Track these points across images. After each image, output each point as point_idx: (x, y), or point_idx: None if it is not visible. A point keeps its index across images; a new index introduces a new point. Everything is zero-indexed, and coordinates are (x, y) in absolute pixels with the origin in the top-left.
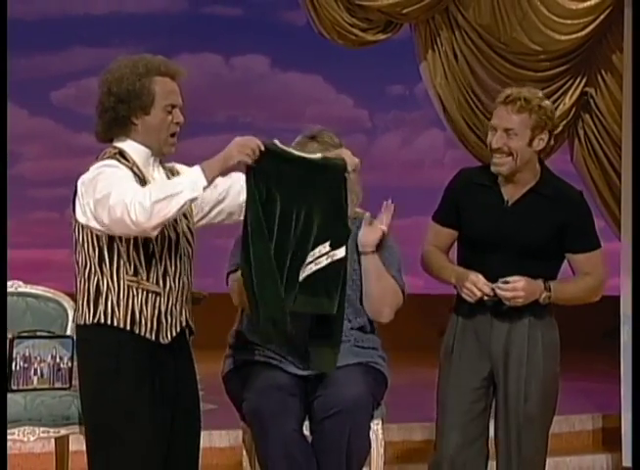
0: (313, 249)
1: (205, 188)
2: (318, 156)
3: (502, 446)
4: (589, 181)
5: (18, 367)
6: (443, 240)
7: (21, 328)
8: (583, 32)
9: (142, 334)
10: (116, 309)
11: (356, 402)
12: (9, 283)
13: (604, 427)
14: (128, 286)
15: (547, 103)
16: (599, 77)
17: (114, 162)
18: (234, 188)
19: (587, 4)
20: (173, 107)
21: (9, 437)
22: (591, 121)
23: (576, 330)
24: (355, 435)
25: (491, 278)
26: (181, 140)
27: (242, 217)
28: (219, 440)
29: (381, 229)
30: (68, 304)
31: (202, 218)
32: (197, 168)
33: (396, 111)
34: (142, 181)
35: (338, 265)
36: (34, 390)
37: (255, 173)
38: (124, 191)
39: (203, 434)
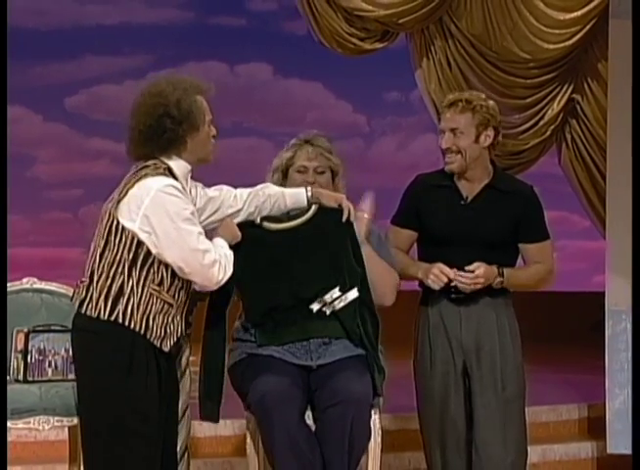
0: (321, 296)
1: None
2: (311, 211)
3: (485, 434)
4: (576, 183)
5: (33, 360)
6: (404, 241)
7: (36, 322)
8: (570, 42)
9: (151, 339)
10: (135, 313)
11: (359, 393)
12: (24, 279)
13: (589, 416)
14: (150, 294)
15: (490, 102)
16: (585, 85)
17: (177, 184)
18: (225, 203)
19: (574, 15)
20: (211, 121)
21: (25, 426)
22: (578, 126)
23: (564, 324)
24: (357, 423)
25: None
26: None
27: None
28: (224, 428)
29: (366, 219)
30: None
31: None
32: (225, 243)
33: (393, 116)
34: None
35: (352, 304)
36: (49, 381)
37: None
38: (210, 251)
39: (208, 424)
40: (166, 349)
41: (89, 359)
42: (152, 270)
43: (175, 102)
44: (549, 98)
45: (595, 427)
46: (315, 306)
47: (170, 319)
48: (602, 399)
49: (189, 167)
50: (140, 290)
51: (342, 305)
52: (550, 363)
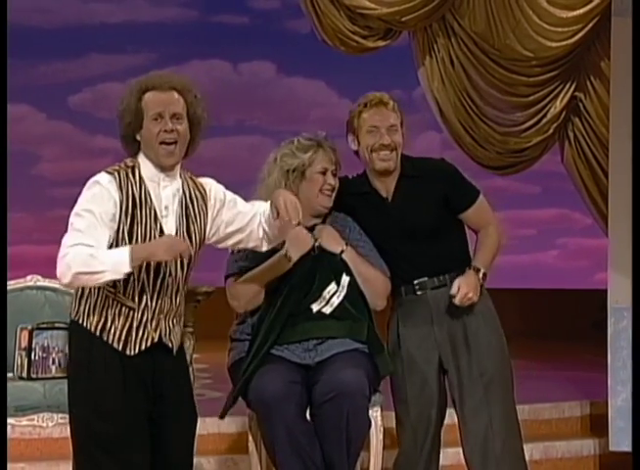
0: (320, 295)
1: (126, 274)
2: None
3: (472, 426)
4: (578, 181)
5: (37, 357)
6: None
7: (40, 320)
8: (573, 40)
9: (110, 342)
10: (91, 314)
11: (352, 385)
12: (28, 277)
13: (591, 413)
14: (106, 295)
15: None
16: (588, 82)
17: (111, 178)
18: (255, 221)
19: (576, 13)
20: (160, 116)
21: (29, 423)
22: (580, 124)
23: (566, 322)
24: (353, 415)
25: (409, 268)
26: None
27: (264, 248)
28: (227, 426)
29: (323, 227)
30: None
31: (214, 236)
32: (125, 252)
33: None
34: (134, 203)
35: (351, 289)
36: (53, 378)
37: None
38: (72, 247)
39: (211, 421)
40: (131, 353)
41: (68, 358)
42: None
43: (119, 103)
44: (552, 96)
45: (597, 424)
46: (315, 307)
47: (136, 324)
48: (604, 396)
49: (156, 166)
50: (96, 291)
51: (342, 295)
52: (552, 361)
